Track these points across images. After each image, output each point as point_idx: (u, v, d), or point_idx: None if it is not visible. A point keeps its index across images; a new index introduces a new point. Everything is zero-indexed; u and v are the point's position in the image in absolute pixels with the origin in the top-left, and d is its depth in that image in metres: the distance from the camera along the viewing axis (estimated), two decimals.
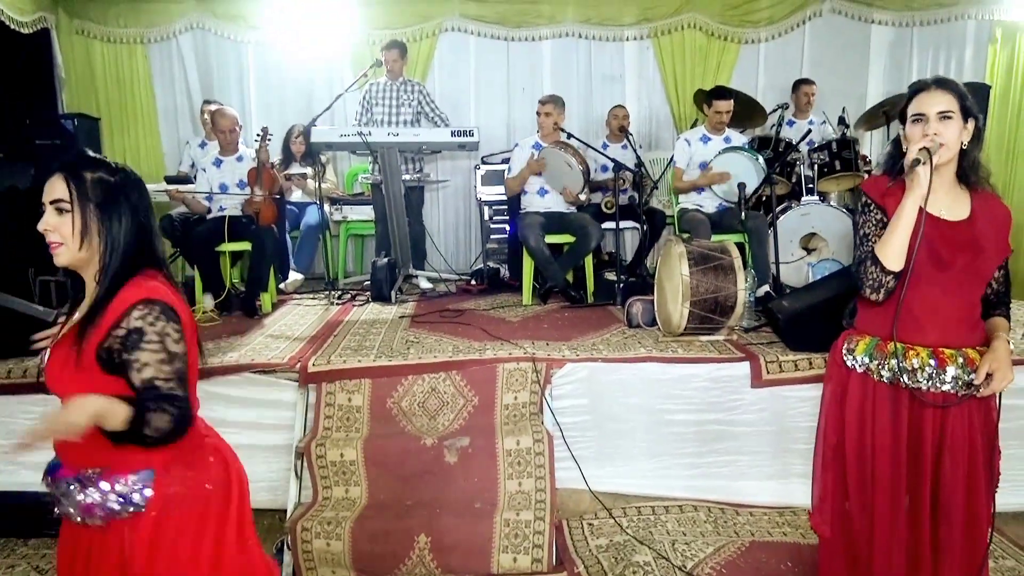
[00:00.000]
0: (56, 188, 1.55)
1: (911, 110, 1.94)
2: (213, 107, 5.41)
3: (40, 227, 1.56)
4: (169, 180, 5.31)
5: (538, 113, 4.76)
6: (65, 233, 1.55)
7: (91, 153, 1.63)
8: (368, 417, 3.21)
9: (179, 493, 1.56)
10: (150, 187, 5.14)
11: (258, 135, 4.55)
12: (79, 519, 1.55)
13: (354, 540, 2.86)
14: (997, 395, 2.02)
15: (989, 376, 1.93)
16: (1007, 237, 2.04)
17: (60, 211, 1.55)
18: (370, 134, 4.64)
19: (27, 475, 3.29)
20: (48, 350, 1.61)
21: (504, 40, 5.99)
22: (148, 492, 1.53)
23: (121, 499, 1.52)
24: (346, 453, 3.08)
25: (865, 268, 1.98)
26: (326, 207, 5.22)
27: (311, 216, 5.38)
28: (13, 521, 3.25)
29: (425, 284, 5.28)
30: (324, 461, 3.08)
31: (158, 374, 1.50)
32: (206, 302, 4.47)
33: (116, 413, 1.43)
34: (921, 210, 1.89)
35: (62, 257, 1.57)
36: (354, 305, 4.66)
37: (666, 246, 3.83)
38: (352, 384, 3.23)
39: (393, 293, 4.77)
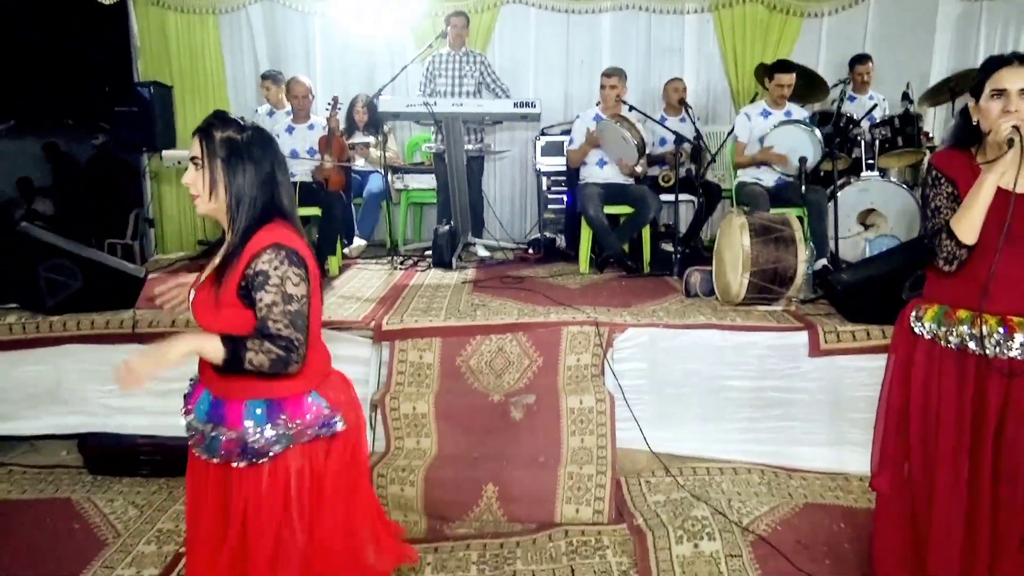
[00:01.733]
0: (193, 146, 1.74)
1: (990, 85, 1.98)
2: (270, 81, 5.62)
3: (183, 180, 1.77)
4: None
5: (602, 86, 4.84)
6: (199, 186, 1.74)
7: (226, 114, 1.81)
8: (438, 374, 3.38)
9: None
10: None
11: (329, 104, 4.72)
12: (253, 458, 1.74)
13: (427, 487, 3.04)
14: None
15: None
16: None
17: (196, 166, 1.73)
18: (435, 104, 4.79)
19: (121, 419, 3.59)
20: (192, 291, 1.79)
21: (564, 12, 6.05)
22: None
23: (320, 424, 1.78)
24: (418, 406, 3.27)
25: (940, 240, 2.05)
26: (388, 175, 5.38)
27: (374, 184, 5.55)
28: (110, 461, 3.51)
29: (483, 252, 5.43)
30: (397, 413, 3.27)
31: (270, 314, 1.66)
32: None
33: (210, 351, 1.64)
34: (1004, 192, 1.95)
35: (199, 207, 1.77)
36: (417, 270, 4.84)
37: (727, 217, 3.91)
38: (423, 342, 3.41)
39: (454, 260, 4.93)
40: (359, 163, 5.71)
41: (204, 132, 1.74)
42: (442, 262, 4.90)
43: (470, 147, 5.19)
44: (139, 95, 5.59)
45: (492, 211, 5.96)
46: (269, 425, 1.73)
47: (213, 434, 1.76)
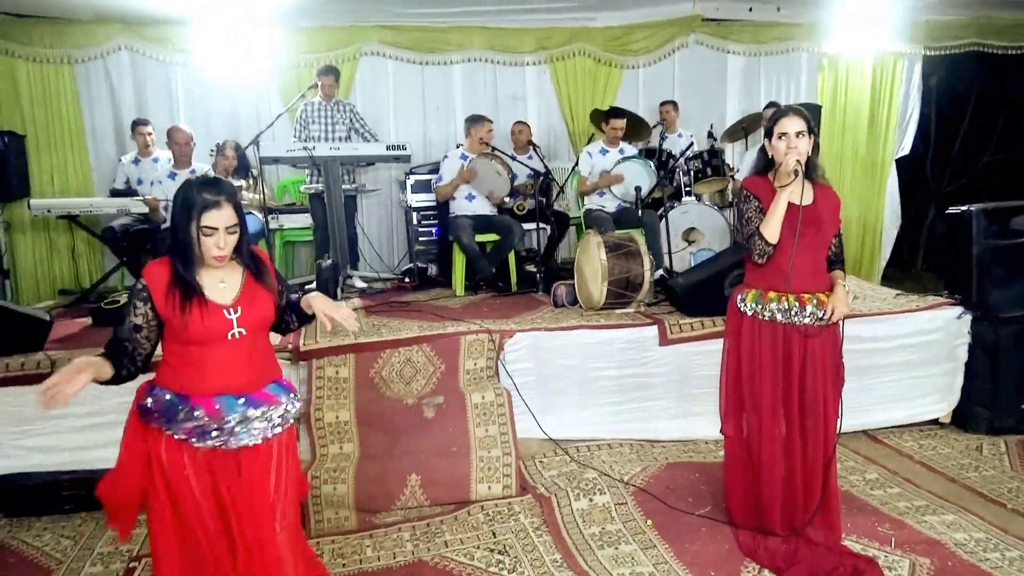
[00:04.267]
0: (228, 216, 2.05)
1: (777, 129, 2.80)
2: (148, 128, 5.76)
3: (218, 243, 2.04)
4: (114, 193, 5.60)
5: (489, 131, 5.49)
6: (231, 248, 2.09)
7: (205, 171, 2.28)
8: (354, 386, 3.80)
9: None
10: (82, 200, 5.53)
11: (212, 150, 4.99)
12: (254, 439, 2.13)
13: (356, 482, 3.47)
14: (840, 326, 2.94)
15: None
16: (839, 216, 2.98)
17: (231, 233, 2.07)
18: (315, 148, 5.20)
19: (38, 458, 3.66)
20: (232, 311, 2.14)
21: (419, 64, 6.66)
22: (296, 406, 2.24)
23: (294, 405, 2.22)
24: (340, 415, 3.68)
25: (754, 242, 2.84)
26: (266, 216, 5.67)
27: (250, 225, 5.79)
28: (28, 501, 3.58)
29: (360, 283, 5.84)
30: (322, 423, 3.66)
31: (292, 291, 2.33)
32: None
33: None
34: (793, 205, 2.77)
35: (223, 262, 2.10)
36: None
37: (584, 237, 4.66)
38: (339, 359, 3.82)
39: (338, 291, 5.32)
40: None
41: (236, 203, 2.09)
42: (327, 294, 5.24)
43: (346, 186, 5.63)
44: None
45: (367, 245, 6.40)
46: (291, 395, 2.22)
47: (255, 417, 2.12)
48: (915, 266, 9.56)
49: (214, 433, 2.08)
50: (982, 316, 4.31)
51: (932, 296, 4.66)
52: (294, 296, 2.33)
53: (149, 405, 2.08)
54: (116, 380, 2.06)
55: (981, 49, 7.24)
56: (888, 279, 7.51)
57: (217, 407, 2.11)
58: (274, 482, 2.18)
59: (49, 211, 5.35)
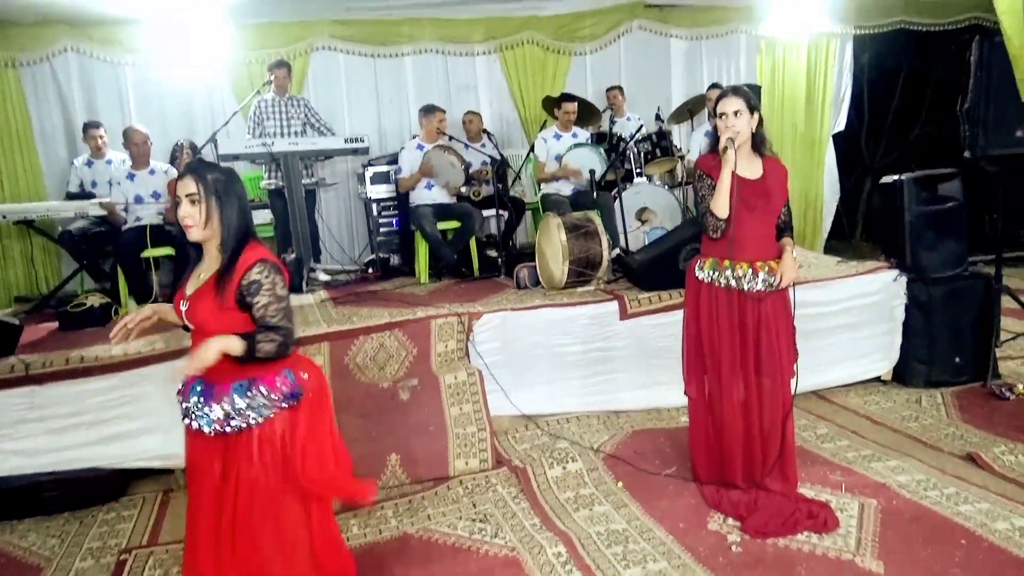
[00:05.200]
0: (188, 185, 2.16)
1: (717, 109, 3.01)
2: (101, 131, 5.72)
3: (179, 214, 2.17)
4: (70, 196, 5.57)
5: (441, 120, 5.63)
6: (196, 217, 2.16)
7: (203, 159, 2.33)
8: (330, 373, 3.89)
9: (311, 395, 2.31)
10: (38, 205, 5.51)
11: (173, 149, 5.01)
12: (240, 424, 2.20)
13: None
14: (791, 290, 3.16)
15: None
16: (786, 186, 3.20)
17: (193, 202, 2.16)
18: (273, 144, 5.26)
19: (17, 460, 3.69)
20: (185, 302, 2.23)
21: (371, 57, 6.75)
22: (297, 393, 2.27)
23: (288, 396, 2.24)
24: None
25: (706, 218, 3.05)
26: None
27: None
28: (9, 504, 3.59)
29: (324, 276, 5.91)
30: None
31: (267, 312, 2.18)
32: (131, 306, 4.88)
33: (234, 347, 2.12)
34: (735, 175, 2.98)
35: (194, 234, 2.18)
36: None
37: (544, 219, 4.83)
38: (313, 348, 3.91)
39: (303, 284, 5.40)
40: None
41: (197, 173, 2.19)
42: (293, 287, 5.31)
43: (306, 181, 5.69)
44: None
45: (329, 237, 6.48)
46: (244, 397, 2.19)
47: (205, 410, 2.21)
48: (855, 236, 10.03)
49: (185, 410, 2.25)
50: (916, 277, 4.62)
51: (871, 261, 4.97)
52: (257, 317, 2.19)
53: None
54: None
55: (908, 27, 7.62)
56: (830, 250, 7.88)
57: (185, 394, 2.27)
58: (258, 472, 2.23)
59: (4, 217, 5.29)
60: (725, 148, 2.95)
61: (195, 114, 6.44)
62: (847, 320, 4.63)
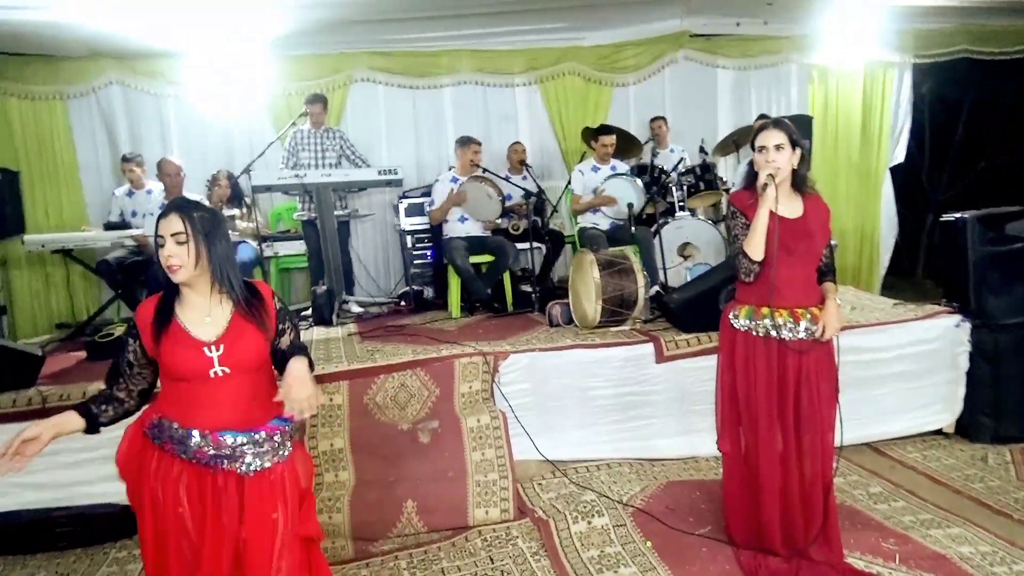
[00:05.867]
0: (174, 224, 2.03)
1: (757, 143, 2.79)
2: (132, 164, 5.77)
3: (163, 254, 2.03)
4: (108, 227, 5.61)
5: (476, 152, 5.52)
6: (183, 258, 2.03)
7: (187, 198, 2.21)
8: (348, 412, 3.76)
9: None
10: (75, 235, 5.54)
11: (208, 181, 4.99)
12: (261, 466, 2.07)
13: (352, 511, 3.42)
14: (834, 340, 2.90)
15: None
16: (828, 226, 2.95)
17: (179, 242, 2.02)
18: (306, 175, 5.21)
19: (31, 495, 3.62)
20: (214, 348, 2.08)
21: (410, 88, 6.69)
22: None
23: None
24: (335, 442, 3.64)
25: (739, 260, 2.81)
26: (260, 244, 5.67)
27: (244, 254, 5.78)
28: (22, 539, 3.53)
29: (357, 308, 5.81)
30: (316, 451, 3.61)
31: (296, 334, 2.22)
32: None
33: (308, 364, 2.10)
34: (773, 215, 2.75)
35: (180, 275, 2.03)
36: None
37: (577, 256, 4.64)
38: (332, 387, 3.78)
39: (334, 317, 5.30)
40: None
41: (183, 211, 2.06)
42: (323, 320, 5.25)
43: (339, 212, 5.63)
44: None
45: (361, 270, 6.39)
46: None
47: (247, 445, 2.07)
48: (915, 274, 9.54)
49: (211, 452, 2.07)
50: (981, 324, 4.27)
51: (930, 305, 4.62)
52: (287, 343, 2.18)
53: (156, 432, 2.09)
54: (92, 428, 2.08)
55: (971, 56, 7.24)
56: (888, 288, 7.48)
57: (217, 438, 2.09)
58: (281, 516, 2.10)
59: (43, 246, 5.35)
60: (765, 185, 2.73)
61: (234, 145, 6.46)
62: (904, 368, 4.30)
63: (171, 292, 2.11)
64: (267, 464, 2.08)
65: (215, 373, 2.04)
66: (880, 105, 7.35)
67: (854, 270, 7.47)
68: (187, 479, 2.10)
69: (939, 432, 4.42)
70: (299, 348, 2.15)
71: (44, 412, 3.57)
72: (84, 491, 3.59)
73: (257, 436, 2.07)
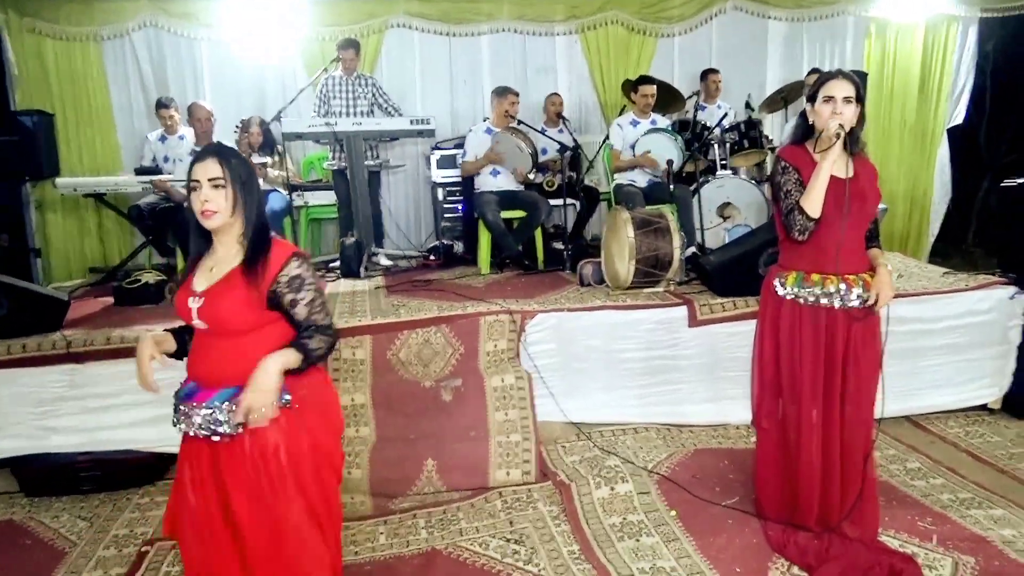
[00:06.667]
0: (211, 168, 1.95)
1: (823, 92, 2.56)
2: (171, 110, 5.70)
3: (201, 198, 1.95)
4: (139, 171, 5.58)
5: (512, 103, 5.32)
6: (220, 203, 1.95)
7: (222, 144, 2.11)
8: (371, 368, 3.70)
9: (309, 394, 2.06)
10: (114, 179, 5.51)
11: (237, 127, 4.91)
12: (234, 430, 1.95)
13: (372, 467, 3.39)
14: (884, 311, 2.72)
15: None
16: (878, 189, 2.75)
17: (216, 186, 1.95)
18: (336, 124, 5.09)
19: (57, 439, 3.66)
20: (199, 297, 2.00)
21: (446, 36, 6.49)
22: (287, 396, 2.01)
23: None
24: (356, 398, 3.59)
25: (793, 217, 2.61)
26: (290, 194, 5.60)
27: (274, 203, 5.72)
28: (48, 481, 3.58)
29: (386, 261, 5.72)
30: None
31: (313, 309, 2.02)
32: None
33: (292, 361, 1.95)
34: (836, 179, 2.55)
35: (215, 221, 1.96)
36: (326, 282, 5.10)
37: (612, 214, 4.47)
38: (355, 340, 3.72)
39: (361, 269, 5.23)
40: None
41: (221, 155, 1.99)
42: (351, 272, 5.18)
43: (369, 162, 5.52)
44: (19, 124, 5.50)
45: (392, 222, 6.30)
46: (229, 403, 1.96)
47: (190, 412, 1.99)
48: (966, 242, 9.13)
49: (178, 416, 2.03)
50: None
51: (984, 275, 4.38)
52: (303, 315, 2.02)
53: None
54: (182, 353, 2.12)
55: None
56: (937, 254, 7.17)
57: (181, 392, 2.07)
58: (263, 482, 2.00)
59: (75, 190, 5.35)
60: (836, 135, 2.52)
61: (267, 90, 6.36)
62: (953, 340, 4.09)
63: (198, 237, 2.06)
64: (231, 432, 1.95)
65: (196, 325, 2.02)
66: (941, 62, 6.93)
67: (901, 236, 7.16)
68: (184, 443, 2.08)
69: (983, 407, 4.22)
70: (311, 329, 2.00)
71: (69, 357, 3.58)
72: (108, 436, 3.61)
73: (217, 401, 1.97)
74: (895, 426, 3.98)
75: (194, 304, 2.00)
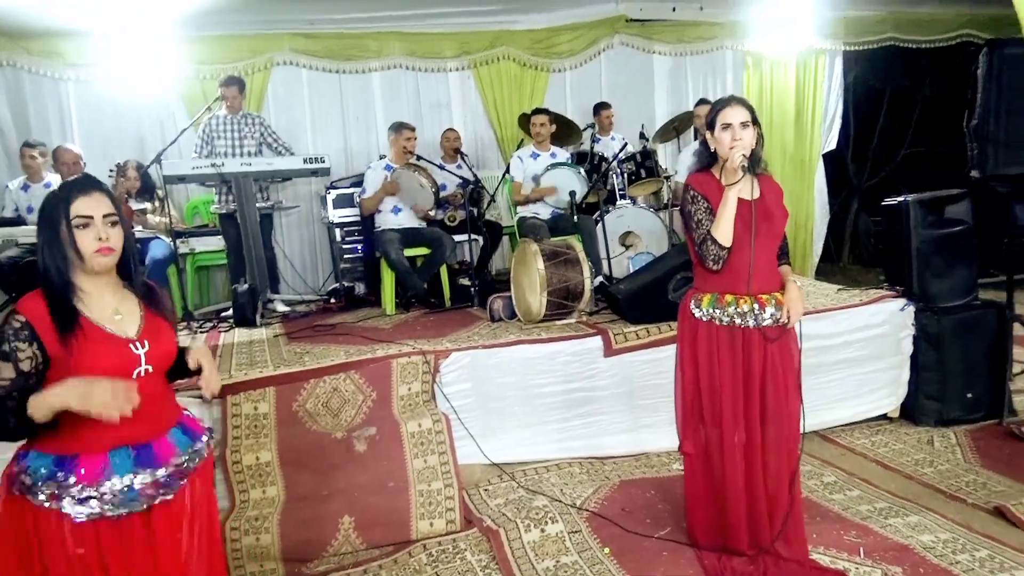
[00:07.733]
0: (103, 204, 1.78)
1: (720, 120, 2.59)
2: (37, 151, 5.23)
3: (95, 235, 1.74)
4: (2, 223, 5.06)
5: (409, 139, 5.19)
6: (116, 241, 1.78)
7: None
8: (275, 422, 3.43)
9: None
10: None
11: (111, 171, 4.54)
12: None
13: (282, 530, 3.11)
14: (797, 327, 2.76)
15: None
16: (784, 206, 2.81)
17: (113, 223, 1.78)
18: (224, 165, 4.81)
19: None
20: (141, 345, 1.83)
21: (335, 73, 6.32)
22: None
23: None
24: (261, 455, 3.31)
25: (706, 247, 2.61)
26: (174, 240, 5.23)
27: (157, 250, 5.34)
28: None
29: (283, 307, 5.42)
30: (240, 466, 3.28)
31: None
32: None
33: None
34: (744, 201, 2.57)
35: (112, 259, 1.79)
36: (219, 332, 4.76)
37: (520, 246, 4.41)
38: (256, 394, 3.44)
39: (257, 317, 4.93)
40: (135, 230, 5.47)
41: (108, 192, 1.82)
42: (246, 320, 4.86)
43: (261, 204, 5.24)
44: None
45: (287, 265, 6.01)
46: (198, 439, 1.92)
47: (135, 482, 1.76)
48: (842, 259, 9.70)
49: (93, 502, 1.73)
50: (925, 307, 4.24)
51: (874, 289, 4.59)
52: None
53: (23, 477, 1.73)
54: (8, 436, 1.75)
55: (898, 44, 7.35)
56: (820, 274, 7.54)
57: (103, 467, 1.75)
58: (185, 543, 1.85)
59: None
60: (742, 168, 2.54)
61: (145, 133, 5.97)
62: (851, 354, 4.24)
63: (63, 287, 1.77)
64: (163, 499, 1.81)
65: (139, 373, 1.80)
66: (813, 92, 7.37)
67: (790, 258, 7.48)
68: (99, 534, 1.75)
69: (884, 417, 4.39)
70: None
71: None
72: None
73: (146, 464, 1.80)
74: (807, 441, 4.00)
75: (140, 350, 1.81)
